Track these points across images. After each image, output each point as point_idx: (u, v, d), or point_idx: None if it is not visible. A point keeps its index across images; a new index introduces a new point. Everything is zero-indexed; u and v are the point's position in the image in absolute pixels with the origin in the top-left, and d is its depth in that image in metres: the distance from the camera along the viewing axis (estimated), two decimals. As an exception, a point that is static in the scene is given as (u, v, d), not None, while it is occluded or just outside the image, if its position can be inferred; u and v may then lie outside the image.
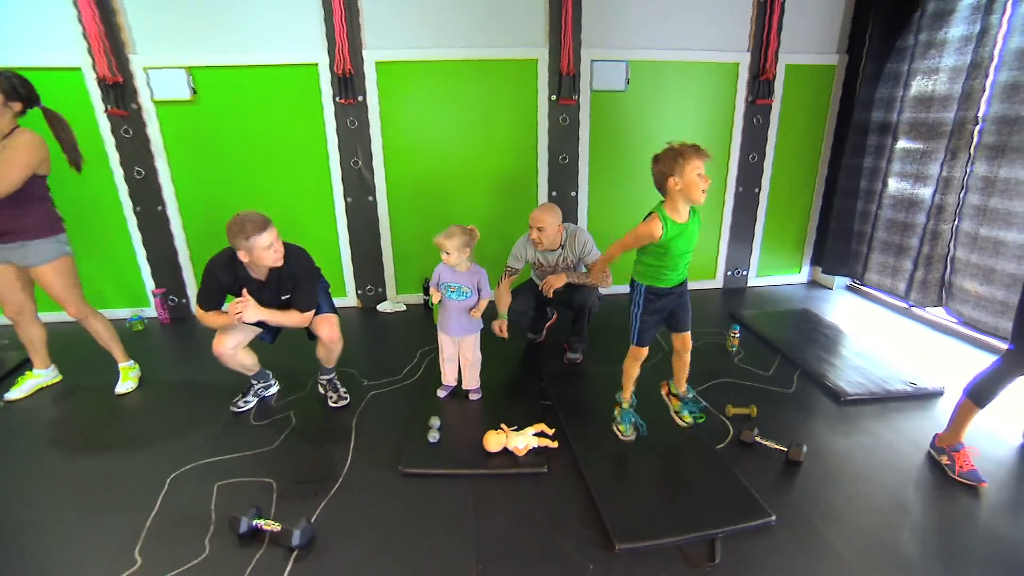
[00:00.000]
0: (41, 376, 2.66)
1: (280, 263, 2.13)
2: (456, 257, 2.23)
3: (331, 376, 2.54)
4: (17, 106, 2.21)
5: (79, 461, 2.12)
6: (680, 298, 1.94)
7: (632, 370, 2.05)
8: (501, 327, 2.67)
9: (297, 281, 2.23)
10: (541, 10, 3.31)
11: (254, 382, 2.51)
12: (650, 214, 1.79)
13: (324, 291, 2.44)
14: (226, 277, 2.15)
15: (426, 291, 3.73)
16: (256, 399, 2.51)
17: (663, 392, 2.17)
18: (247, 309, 2.07)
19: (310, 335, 2.40)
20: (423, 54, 3.31)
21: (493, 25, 3.32)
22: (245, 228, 1.99)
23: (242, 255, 2.06)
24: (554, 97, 3.46)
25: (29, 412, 2.49)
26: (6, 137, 2.18)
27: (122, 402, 2.57)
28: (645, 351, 1.99)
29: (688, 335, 2.00)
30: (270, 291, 2.21)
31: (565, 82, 3.41)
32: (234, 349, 2.30)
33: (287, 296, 2.25)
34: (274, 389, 2.60)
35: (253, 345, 2.42)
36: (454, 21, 3.29)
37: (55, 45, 3.03)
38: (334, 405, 2.46)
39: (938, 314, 3.31)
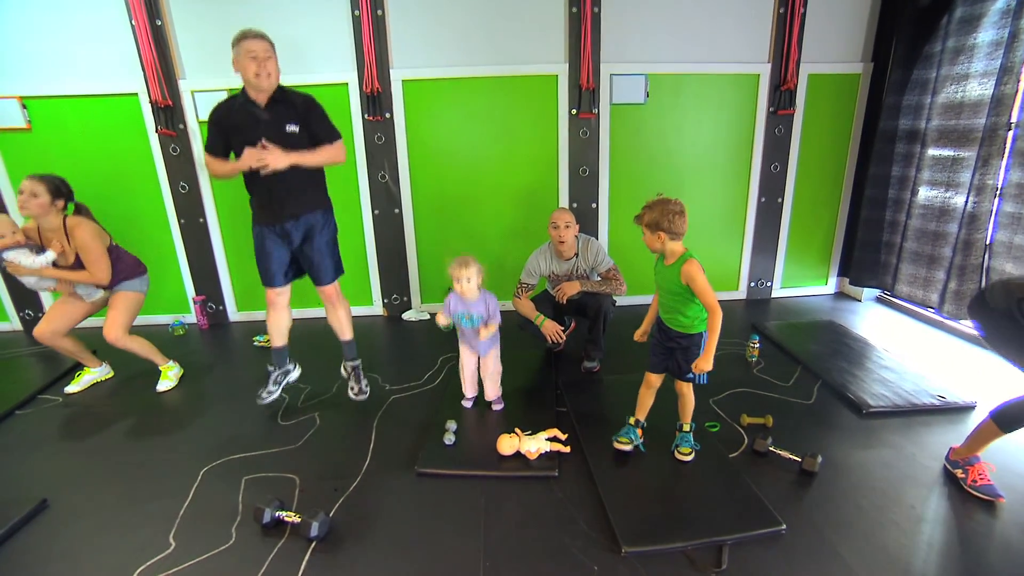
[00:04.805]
0: (96, 372, 2.92)
1: (262, 87, 2.09)
2: (475, 284, 2.24)
3: (356, 363, 2.56)
4: (60, 203, 2.54)
5: (124, 451, 2.29)
6: (672, 342, 1.98)
7: (644, 397, 2.14)
8: (555, 331, 2.73)
9: (305, 112, 2.17)
10: (561, 27, 3.41)
11: (271, 369, 2.54)
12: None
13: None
14: (224, 106, 2.17)
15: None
16: (279, 387, 2.52)
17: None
18: (272, 155, 2.01)
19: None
20: (447, 72, 3.46)
21: (514, 43, 3.44)
22: (245, 32, 2.06)
23: (234, 57, 2.09)
24: (574, 111, 3.54)
25: (83, 406, 2.71)
26: (67, 236, 2.53)
27: (163, 399, 2.76)
28: (654, 377, 2.09)
29: (680, 383, 2.05)
30: (273, 124, 2.14)
31: (585, 96, 3.49)
32: (283, 299, 2.40)
33: (292, 127, 2.16)
34: (295, 374, 2.60)
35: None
36: (477, 40, 3.42)
37: (116, 74, 3.33)
38: (354, 397, 2.46)
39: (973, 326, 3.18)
